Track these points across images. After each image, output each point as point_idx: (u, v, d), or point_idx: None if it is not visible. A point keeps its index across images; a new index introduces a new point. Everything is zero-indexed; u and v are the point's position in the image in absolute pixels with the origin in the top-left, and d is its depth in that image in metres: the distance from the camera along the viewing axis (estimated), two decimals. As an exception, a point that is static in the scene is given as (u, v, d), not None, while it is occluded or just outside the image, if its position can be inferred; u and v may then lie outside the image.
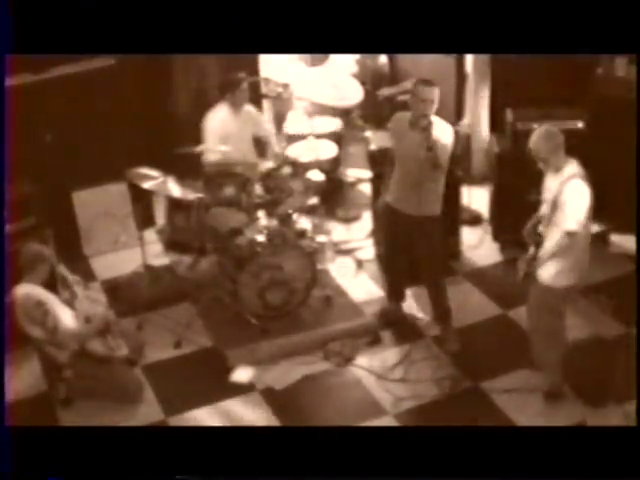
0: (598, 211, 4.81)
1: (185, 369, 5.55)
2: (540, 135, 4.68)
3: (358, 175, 7.46)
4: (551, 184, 4.73)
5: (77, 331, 5.10)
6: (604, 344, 5.12)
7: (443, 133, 5.11)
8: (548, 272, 4.75)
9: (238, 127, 6.27)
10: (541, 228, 4.80)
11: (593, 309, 5.76)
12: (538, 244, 4.78)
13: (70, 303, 5.25)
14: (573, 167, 4.66)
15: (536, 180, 4.96)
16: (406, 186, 5.30)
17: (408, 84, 7.25)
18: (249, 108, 6.48)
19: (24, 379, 5.44)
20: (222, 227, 5.82)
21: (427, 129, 4.94)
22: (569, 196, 4.56)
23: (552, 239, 4.66)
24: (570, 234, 4.54)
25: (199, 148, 6.05)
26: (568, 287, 4.78)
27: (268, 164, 6.35)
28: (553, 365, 5.01)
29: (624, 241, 6.17)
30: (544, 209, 4.83)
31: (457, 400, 5.15)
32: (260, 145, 6.60)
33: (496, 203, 6.56)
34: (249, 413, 5.14)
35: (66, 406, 5.19)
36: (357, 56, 8.10)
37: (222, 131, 6.16)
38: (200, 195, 5.72)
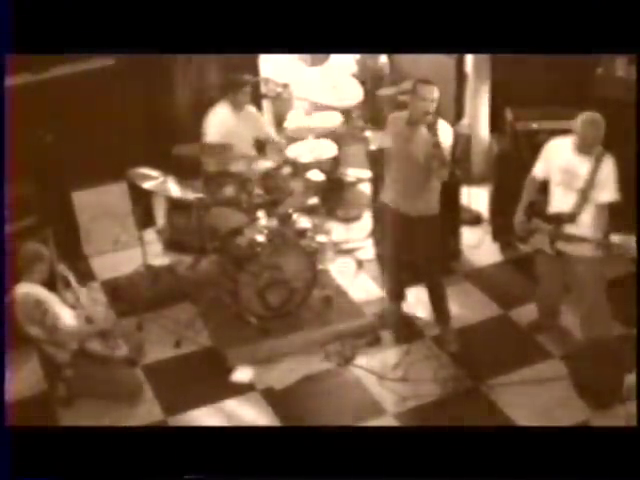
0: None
1: (185, 369, 5.54)
2: (594, 121, 4.90)
3: (358, 175, 7.45)
4: (577, 166, 4.95)
5: (77, 330, 5.10)
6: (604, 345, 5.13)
7: (444, 132, 5.13)
8: (586, 244, 4.95)
9: (238, 126, 6.28)
10: (551, 211, 5.07)
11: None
12: (532, 232, 5.12)
13: (70, 302, 5.26)
14: (600, 147, 4.96)
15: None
16: (404, 186, 5.30)
17: (408, 84, 7.26)
18: (250, 109, 6.49)
19: (24, 379, 5.44)
20: (222, 227, 5.82)
21: (433, 126, 4.96)
22: (609, 171, 4.91)
23: (588, 214, 4.95)
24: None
25: (197, 148, 6.06)
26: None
27: (268, 164, 6.36)
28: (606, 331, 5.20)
29: (622, 240, 6.16)
30: (559, 191, 5.05)
31: (457, 400, 5.15)
32: (260, 147, 6.60)
33: (496, 203, 6.56)
34: (249, 413, 5.15)
35: (66, 406, 5.19)
36: (357, 56, 8.11)
37: (222, 129, 6.16)
38: (200, 195, 5.72)
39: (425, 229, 5.36)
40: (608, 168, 4.92)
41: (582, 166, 4.94)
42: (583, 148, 4.94)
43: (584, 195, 4.93)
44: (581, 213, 4.97)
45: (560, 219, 5.03)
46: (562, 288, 5.46)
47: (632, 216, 5.19)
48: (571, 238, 4.99)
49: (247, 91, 6.30)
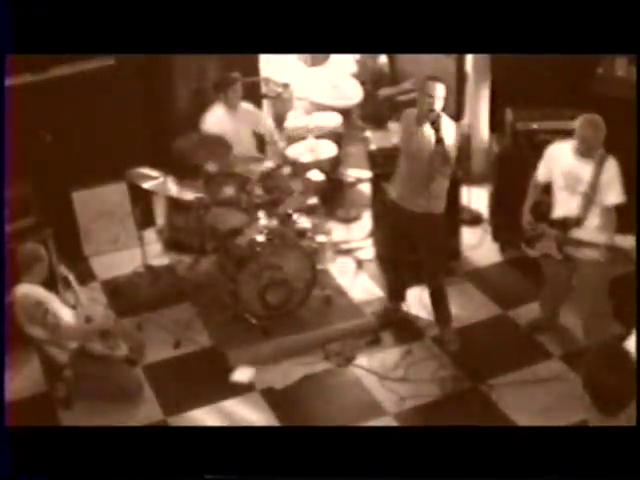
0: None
1: (185, 369, 5.55)
2: (595, 123, 4.88)
3: (358, 175, 7.45)
4: (579, 169, 4.92)
5: (77, 329, 5.11)
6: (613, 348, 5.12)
7: (449, 129, 5.14)
8: (595, 249, 4.90)
9: (235, 126, 6.28)
10: (556, 215, 5.05)
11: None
12: (539, 237, 5.09)
13: (70, 302, 5.26)
14: (601, 150, 4.92)
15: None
16: (411, 183, 5.30)
17: (408, 84, 7.28)
18: (247, 106, 6.48)
19: (24, 379, 5.44)
20: (222, 227, 5.82)
21: (436, 122, 4.98)
22: (613, 173, 4.88)
23: (594, 218, 4.92)
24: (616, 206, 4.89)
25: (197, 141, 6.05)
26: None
27: (268, 164, 6.36)
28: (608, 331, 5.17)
29: (624, 241, 6.15)
30: (563, 195, 5.03)
31: (457, 400, 5.15)
32: (262, 142, 6.59)
33: (496, 203, 6.56)
34: (249, 413, 5.15)
35: (66, 406, 5.19)
36: (357, 56, 8.11)
37: (218, 131, 6.15)
38: (200, 195, 5.73)
39: (429, 227, 5.36)
40: (612, 170, 4.89)
41: (584, 169, 4.92)
42: (584, 151, 4.92)
43: (588, 198, 4.91)
44: (587, 217, 4.95)
45: (566, 224, 5.01)
46: (569, 290, 5.46)
47: (632, 216, 5.19)
48: (579, 243, 4.97)
49: (237, 88, 6.29)
